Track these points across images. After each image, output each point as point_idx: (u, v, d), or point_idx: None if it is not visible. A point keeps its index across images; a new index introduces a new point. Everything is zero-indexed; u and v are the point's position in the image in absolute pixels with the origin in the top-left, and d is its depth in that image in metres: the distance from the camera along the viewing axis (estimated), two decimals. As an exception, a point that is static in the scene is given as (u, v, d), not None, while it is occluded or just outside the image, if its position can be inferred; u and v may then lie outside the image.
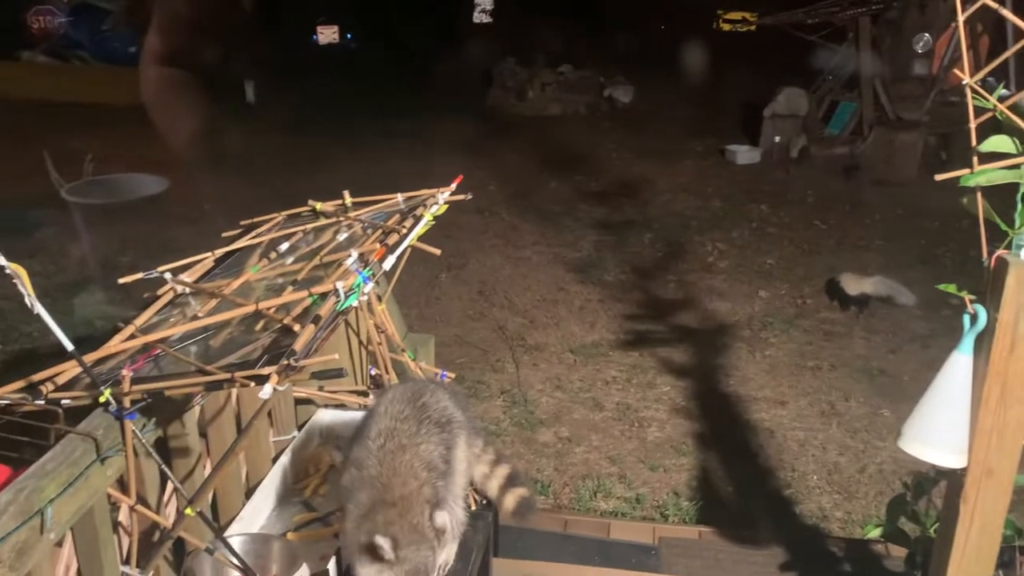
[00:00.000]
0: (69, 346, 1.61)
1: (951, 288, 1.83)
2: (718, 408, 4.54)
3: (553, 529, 3.29)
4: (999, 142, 1.67)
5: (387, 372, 2.50)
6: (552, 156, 9.16)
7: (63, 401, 1.69)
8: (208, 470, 2.06)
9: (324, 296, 1.88)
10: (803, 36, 9.78)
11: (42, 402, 1.70)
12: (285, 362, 1.59)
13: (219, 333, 1.94)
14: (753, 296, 5.96)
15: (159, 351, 1.86)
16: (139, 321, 2.00)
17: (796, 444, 4.19)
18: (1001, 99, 1.68)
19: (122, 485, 1.74)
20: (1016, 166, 1.67)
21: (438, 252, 2.42)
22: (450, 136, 9.60)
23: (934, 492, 2.18)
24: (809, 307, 5.77)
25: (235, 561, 1.71)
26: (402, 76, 12.36)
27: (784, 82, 9.54)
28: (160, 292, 2.14)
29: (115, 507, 1.79)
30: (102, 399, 1.63)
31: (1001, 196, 1.70)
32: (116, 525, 1.80)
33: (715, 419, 4.43)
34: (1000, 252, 1.67)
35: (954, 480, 1.84)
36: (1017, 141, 1.67)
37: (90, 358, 1.80)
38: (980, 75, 1.67)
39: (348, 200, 2.59)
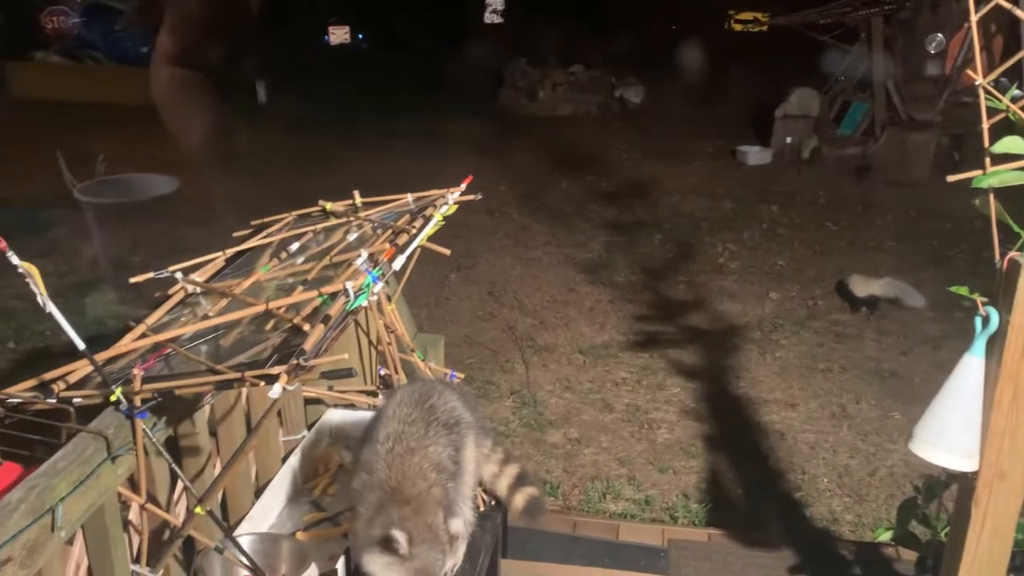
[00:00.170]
0: (81, 345, 1.61)
1: (963, 290, 1.82)
2: (728, 410, 4.52)
3: (562, 530, 3.28)
4: (1012, 143, 1.66)
5: (397, 372, 2.50)
6: (563, 156, 9.15)
7: (74, 400, 1.70)
8: (218, 469, 2.06)
9: (334, 296, 1.88)
10: (815, 36, 9.74)
11: (54, 401, 1.70)
12: (295, 362, 1.59)
13: (229, 332, 1.94)
14: (764, 297, 5.94)
15: (170, 350, 1.86)
16: (150, 320, 2.00)
17: (806, 446, 4.17)
18: (1014, 100, 1.68)
19: (133, 484, 1.75)
20: (1029, 167, 1.66)
21: (448, 252, 2.42)
22: (460, 136, 9.60)
23: (945, 495, 2.17)
24: (820, 309, 5.75)
25: (244, 560, 1.71)
26: (413, 77, 12.36)
27: (796, 83, 9.50)
28: (171, 292, 2.15)
29: (125, 505, 1.79)
30: (113, 398, 1.64)
31: (1014, 197, 1.69)
32: (126, 523, 1.81)
33: (725, 421, 4.41)
34: (1013, 254, 1.66)
35: (965, 483, 1.83)
36: (1030, 142, 1.66)
37: (101, 357, 1.81)
38: (993, 75, 1.66)
39: (358, 200, 2.59)
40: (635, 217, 7.59)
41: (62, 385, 1.74)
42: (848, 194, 8.24)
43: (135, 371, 1.71)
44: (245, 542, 1.76)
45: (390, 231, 2.29)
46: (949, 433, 1.75)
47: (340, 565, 1.84)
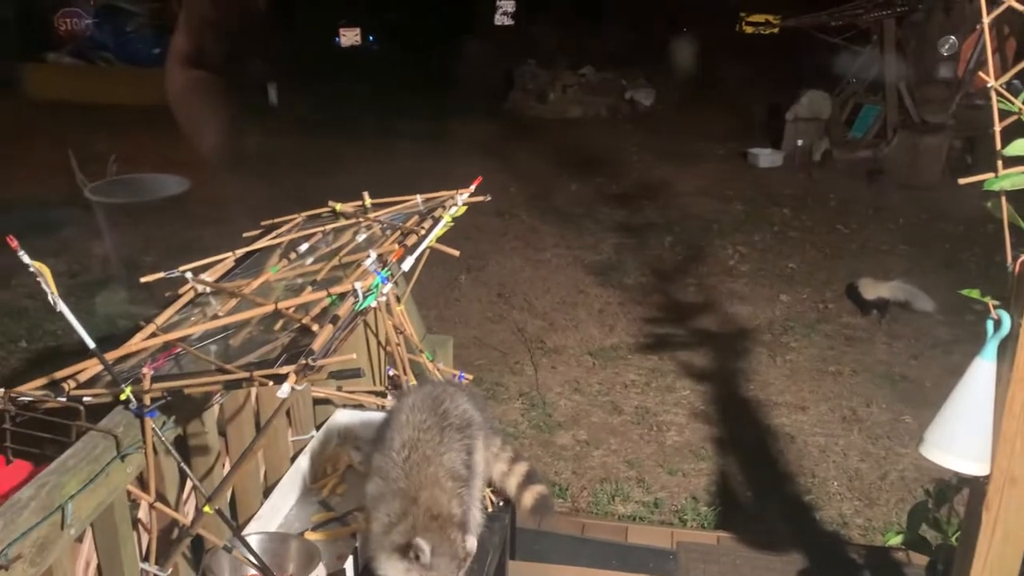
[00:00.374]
0: (91, 344, 1.62)
1: (975, 293, 1.81)
2: (738, 413, 4.51)
3: (570, 532, 3.28)
4: (1024, 145, 1.65)
5: (405, 373, 2.50)
6: (573, 158, 9.15)
7: (84, 398, 1.70)
8: (227, 468, 2.07)
9: (343, 296, 1.88)
10: (827, 39, 9.71)
11: (64, 399, 1.71)
12: (303, 361, 1.60)
13: (239, 332, 1.95)
14: (774, 300, 5.92)
15: (179, 350, 1.87)
16: (160, 320, 2.01)
17: (817, 450, 4.16)
18: (1027, 102, 1.66)
19: (142, 482, 1.75)
20: (1042, 170, 1.65)
21: (457, 253, 2.42)
22: (470, 138, 9.61)
23: (956, 500, 2.15)
24: (831, 312, 5.73)
25: (253, 559, 1.72)
26: (423, 79, 12.38)
27: (807, 85, 9.48)
28: (181, 291, 2.16)
29: (135, 504, 1.80)
30: (123, 397, 1.64)
31: (1027, 200, 1.68)
32: (135, 522, 1.81)
33: (735, 424, 4.40)
34: (1025, 257, 1.65)
35: (976, 488, 1.82)
36: (1043, 145, 1.65)
37: (111, 356, 1.81)
38: (1005, 78, 1.65)
39: (368, 201, 2.60)
40: (645, 219, 7.58)
41: (72, 384, 1.75)
42: (859, 197, 8.21)
43: (145, 370, 1.71)
44: (253, 541, 1.76)
45: (399, 232, 2.29)
46: (960, 437, 1.74)
47: (348, 565, 1.85)
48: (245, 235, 2.52)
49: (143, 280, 2.19)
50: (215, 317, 1.99)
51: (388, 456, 1.76)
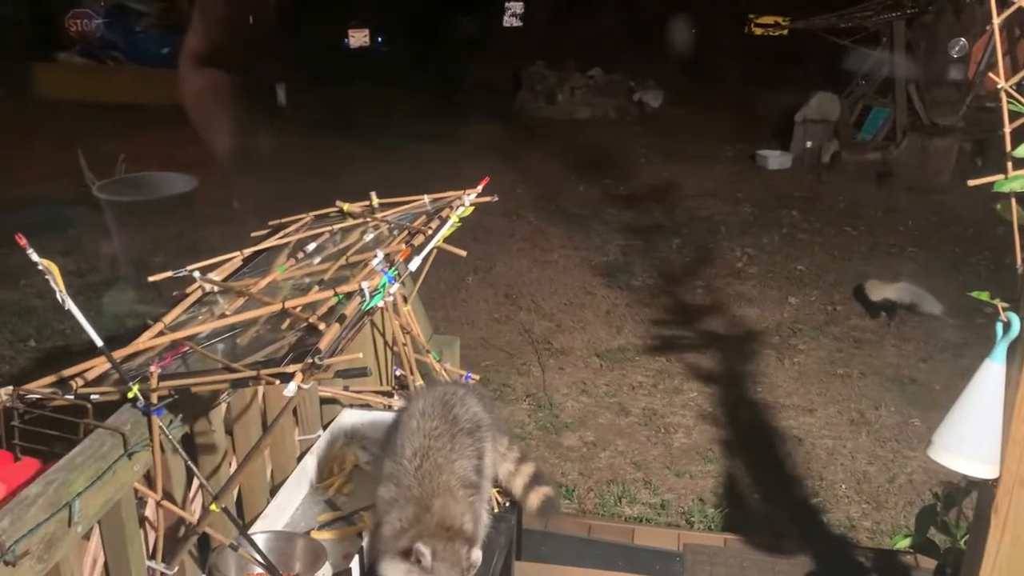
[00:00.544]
0: (99, 342, 1.63)
1: (984, 296, 1.80)
2: (745, 415, 4.50)
3: (577, 534, 3.28)
4: (1034, 147, 1.64)
5: (412, 373, 2.50)
6: (580, 160, 9.14)
7: (92, 396, 1.71)
8: (233, 467, 2.07)
9: (350, 296, 1.88)
10: (836, 40, 9.68)
11: (72, 397, 1.72)
12: (310, 360, 1.60)
13: (246, 331, 1.95)
14: (783, 302, 5.90)
15: (187, 348, 1.88)
16: (168, 319, 2.02)
17: (825, 452, 4.14)
18: (1038, 104, 1.66)
19: (149, 480, 1.76)
20: (1052, 172, 1.64)
21: (464, 254, 2.42)
22: (478, 139, 9.61)
23: (965, 503, 2.15)
24: (839, 314, 5.71)
25: (259, 558, 1.72)
26: (431, 79, 12.39)
27: (816, 87, 9.45)
28: (189, 290, 2.16)
29: (142, 502, 1.81)
30: (130, 395, 1.65)
31: (1036, 202, 1.67)
32: (142, 520, 1.82)
33: (742, 426, 4.39)
34: (1034, 259, 1.64)
35: (985, 491, 1.81)
36: (1053, 146, 1.64)
37: (119, 354, 1.82)
38: (1016, 79, 1.64)
39: (375, 201, 2.60)
40: (653, 221, 7.56)
41: (80, 382, 1.76)
42: (868, 199, 8.18)
43: (152, 368, 1.72)
44: (260, 540, 1.77)
45: (406, 232, 2.30)
46: (969, 440, 1.73)
47: (354, 564, 1.85)
48: (253, 234, 2.52)
49: (151, 279, 2.20)
50: (222, 316, 2.00)
51: (400, 464, 1.77)
